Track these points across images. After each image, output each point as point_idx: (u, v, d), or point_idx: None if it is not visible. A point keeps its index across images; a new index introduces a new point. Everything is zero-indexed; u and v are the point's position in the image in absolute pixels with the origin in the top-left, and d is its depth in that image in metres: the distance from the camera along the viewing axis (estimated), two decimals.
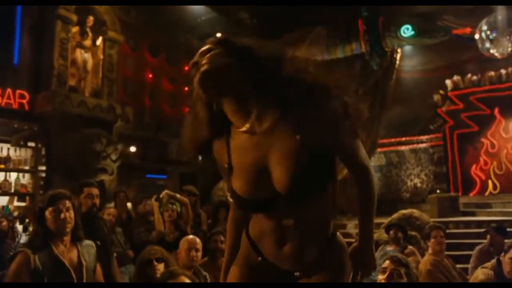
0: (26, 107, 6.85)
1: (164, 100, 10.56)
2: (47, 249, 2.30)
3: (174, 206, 4.79)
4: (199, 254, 3.40)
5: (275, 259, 1.48)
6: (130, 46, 9.44)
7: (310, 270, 1.46)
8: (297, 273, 1.47)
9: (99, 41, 8.03)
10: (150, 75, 10.10)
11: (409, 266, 2.41)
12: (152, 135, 9.74)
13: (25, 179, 6.82)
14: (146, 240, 4.78)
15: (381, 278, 2.35)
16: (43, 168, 6.93)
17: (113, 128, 7.83)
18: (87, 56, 7.70)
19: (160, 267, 2.67)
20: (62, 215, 2.34)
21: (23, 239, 3.80)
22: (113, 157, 7.44)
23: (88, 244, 2.57)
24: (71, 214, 2.40)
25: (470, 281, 3.18)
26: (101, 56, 8.08)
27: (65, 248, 2.38)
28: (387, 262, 2.40)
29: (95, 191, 3.68)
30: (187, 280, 1.98)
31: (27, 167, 6.85)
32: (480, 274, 3.06)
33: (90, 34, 7.83)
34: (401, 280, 2.32)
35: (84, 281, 2.35)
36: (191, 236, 3.56)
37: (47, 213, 2.34)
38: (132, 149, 8.84)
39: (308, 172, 1.33)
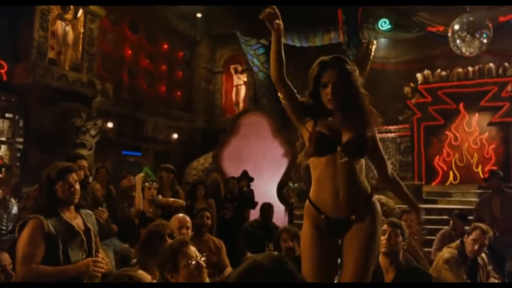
0: (4, 77, 6.74)
1: (142, 78, 10.52)
2: (57, 216, 2.43)
3: (155, 184, 4.91)
4: (189, 231, 3.53)
5: (334, 211, 2.01)
6: (111, 20, 9.32)
7: (360, 215, 2.00)
8: (353, 217, 1.99)
9: (79, 14, 7.91)
10: (129, 52, 10.02)
11: (402, 227, 2.88)
12: (129, 112, 9.72)
13: (2, 150, 6.77)
14: (130, 215, 4.92)
15: (382, 238, 2.74)
16: (21, 140, 6.88)
17: (92, 103, 7.80)
18: (68, 28, 7.60)
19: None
20: (72, 188, 2.48)
21: (14, 209, 3.84)
22: (92, 132, 7.46)
23: (89, 213, 2.72)
24: (78, 186, 2.54)
25: (436, 259, 3.52)
26: (81, 30, 7.98)
27: (71, 215, 2.52)
28: (385, 225, 2.82)
29: (85, 163, 3.85)
30: (193, 248, 2.15)
31: (3, 138, 6.79)
32: (445, 252, 3.41)
33: (71, 6, 7.71)
34: (398, 239, 2.80)
35: (92, 244, 2.51)
36: (181, 215, 3.64)
37: (57, 185, 2.46)
38: (109, 125, 8.82)
39: (358, 144, 2.08)
